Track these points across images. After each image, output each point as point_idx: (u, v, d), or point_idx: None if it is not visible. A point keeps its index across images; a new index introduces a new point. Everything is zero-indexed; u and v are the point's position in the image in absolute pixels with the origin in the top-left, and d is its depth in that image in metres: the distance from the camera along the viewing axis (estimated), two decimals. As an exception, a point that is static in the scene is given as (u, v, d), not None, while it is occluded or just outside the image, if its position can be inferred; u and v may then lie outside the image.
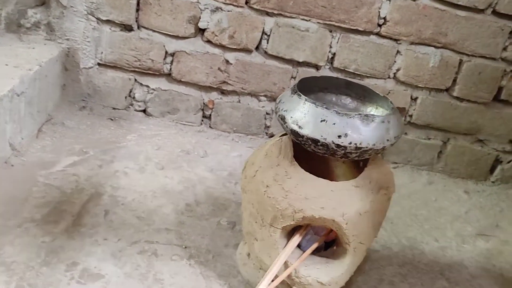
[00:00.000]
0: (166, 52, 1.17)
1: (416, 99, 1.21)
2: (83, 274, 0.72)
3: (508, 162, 1.28)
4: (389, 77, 1.20)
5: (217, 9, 1.13)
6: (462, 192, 1.23)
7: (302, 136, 0.66)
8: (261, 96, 1.21)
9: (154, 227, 0.86)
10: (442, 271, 0.91)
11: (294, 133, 0.67)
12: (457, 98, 1.21)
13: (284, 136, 0.72)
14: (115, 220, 0.86)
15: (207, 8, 1.13)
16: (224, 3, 1.12)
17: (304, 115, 0.66)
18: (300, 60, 1.17)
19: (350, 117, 0.64)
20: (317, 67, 1.18)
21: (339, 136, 0.64)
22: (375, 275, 0.86)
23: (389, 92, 1.20)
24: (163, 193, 0.96)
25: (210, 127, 1.25)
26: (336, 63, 1.18)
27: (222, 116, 1.23)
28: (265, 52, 1.17)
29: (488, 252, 1.00)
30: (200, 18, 1.13)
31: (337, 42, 1.16)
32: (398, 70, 1.18)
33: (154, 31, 1.15)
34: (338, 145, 0.64)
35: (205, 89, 1.21)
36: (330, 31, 1.15)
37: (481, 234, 1.06)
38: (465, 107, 1.22)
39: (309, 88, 0.77)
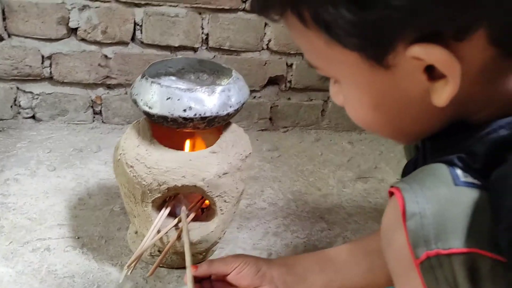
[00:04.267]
0: (43, 56, 1.18)
1: (291, 65, 1.31)
2: (-28, 280, 0.75)
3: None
4: (263, 49, 1.28)
5: (85, 7, 1.15)
6: (346, 143, 1.36)
7: (153, 115, 0.72)
8: (148, 84, 1.26)
9: (46, 225, 0.90)
10: (322, 215, 1.02)
11: (146, 113, 0.73)
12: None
13: (141, 119, 0.79)
14: (6, 225, 0.88)
15: (74, 7, 1.15)
16: (91, 0, 1.15)
17: (152, 96, 0.72)
18: (176, 45, 1.23)
19: (192, 91, 0.71)
20: (194, 49, 1.25)
21: (184, 110, 0.71)
22: (260, 230, 0.95)
23: (265, 63, 1.29)
24: (55, 193, 0.99)
25: (103, 122, 1.28)
26: (211, 43, 1.25)
27: (113, 110, 1.27)
28: (141, 42, 1.21)
29: (365, 192, 1.13)
30: (69, 18, 1.15)
31: (208, 23, 1.22)
32: (269, 41, 1.27)
33: (25, 37, 1.16)
34: (185, 118, 0.71)
35: (90, 86, 1.24)
36: (199, 13, 1.21)
37: (360, 177, 1.19)
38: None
39: (165, 71, 0.83)
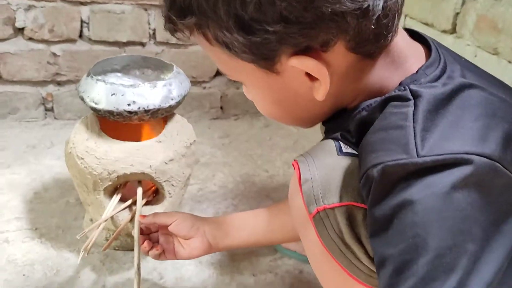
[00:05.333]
0: (-9, 56, 1.20)
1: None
2: None
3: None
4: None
5: (30, 7, 1.18)
6: (292, 127, 1.45)
7: (100, 111, 0.78)
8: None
9: (3, 219, 0.94)
10: (269, 194, 1.11)
11: (93, 109, 0.79)
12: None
13: (89, 114, 0.84)
14: (-36, 222, 0.92)
15: (20, 8, 1.17)
16: (36, 0, 1.17)
17: (97, 93, 0.77)
18: (124, 41, 1.27)
19: (136, 87, 0.78)
20: (142, 44, 1.30)
21: (129, 104, 0.77)
22: (211, 211, 1.03)
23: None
24: (10, 188, 1.03)
25: (55, 118, 1.31)
26: (158, 38, 1.30)
27: (64, 105, 1.30)
28: (89, 39, 1.25)
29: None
30: (15, 18, 1.18)
31: (154, 19, 1.27)
32: (214, 34, 1.33)
33: (-29, 38, 1.17)
34: (130, 112, 0.77)
35: (40, 84, 1.27)
36: (145, 10, 1.26)
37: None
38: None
39: (111, 68, 0.88)
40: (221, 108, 1.44)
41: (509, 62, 1.04)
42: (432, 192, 0.37)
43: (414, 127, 0.39)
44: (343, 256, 0.46)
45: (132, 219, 0.81)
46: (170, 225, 0.73)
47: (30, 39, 1.21)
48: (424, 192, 0.37)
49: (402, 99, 0.43)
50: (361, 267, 0.46)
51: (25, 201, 1.00)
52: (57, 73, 1.26)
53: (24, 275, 0.82)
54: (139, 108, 0.77)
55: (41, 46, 1.22)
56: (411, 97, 0.42)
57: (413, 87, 0.43)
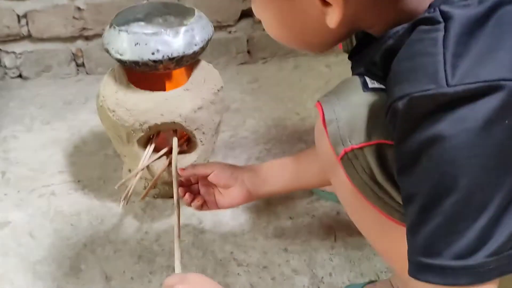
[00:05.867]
0: (18, 16, 1.21)
1: None
2: (-10, 227, 0.85)
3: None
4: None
5: (50, -40, 1.16)
6: (324, 67, 1.40)
7: (125, 62, 0.78)
8: (125, 32, 1.29)
9: (48, 173, 0.99)
10: (301, 137, 1.10)
11: (119, 60, 0.79)
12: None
13: (116, 66, 0.84)
14: (12, 177, 0.97)
15: (40, -38, 1.16)
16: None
17: (121, 44, 0.77)
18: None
19: (158, 35, 0.76)
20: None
21: (153, 53, 0.76)
22: (244, 156, 1.04)
23: None
24: (52, 144, 1.07)
25: (87, 73, 1.33)
26: (180, -17, 1.26)
27: (95, 60, 1.31)
28: (112, -11, 1.23)
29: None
30: (36, -27, 1.17)
31: (174, -37, 1.23)
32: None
33: (-3, -2, 1.18)
34: (154, 61, 0.77)
35: (69, 40, 1.27)
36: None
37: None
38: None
39: (133, 17, 0.87)
40: (248, 52, 1.41)
41: None
42: (465, 127, 0.35)
43: (444, 54, 0.36)
44: (376, 196, 0.45)
45: (169, 167, 0.83)
46: (209, 175, 0.73)
47: (54, -6, 1.20)
48: (456, 127, 0.35)
49: (431, 22, 0.39)
50: (395, 205, 0.45)
51: (66, 155, 1.04)
52: (83, 27, 1.26)
53: (72, 224, 0.86)
54: (163, 56, 0.76)
55: (65, 1, 1.22)
56: (441, 20, 0.38)
57: (444, 7, 0.39)
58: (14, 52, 1.26)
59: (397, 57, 0.40)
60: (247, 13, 1.35)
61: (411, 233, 0.40)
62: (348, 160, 0.43)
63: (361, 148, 0.42)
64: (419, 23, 0.40)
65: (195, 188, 0.76)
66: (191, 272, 0.67)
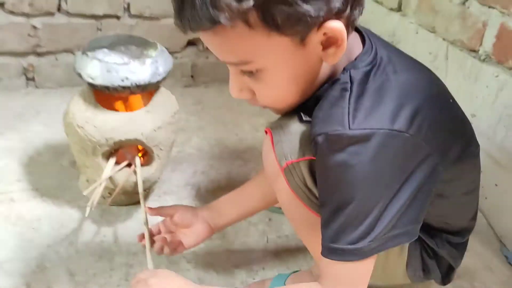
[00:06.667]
0: (-28, 29, 1.26)
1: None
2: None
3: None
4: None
5: (10, -19, 1.23)
6: (258, 94, 1.59)
7: (96, 86, 0.89)
8: (77, 50, 1.38)
9: (6, 181, 1.05)
10: (239, 155, 1.26)
11: (90, 84, 0.90)
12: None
13: (84, 87, 0.95)
14: (-31, 185, 1.03)
15: (-1, -18, 1.22)
16: (15, -26, 1.23)
17: (93, 70, 0.89)
18: (101, 14, 1.35)
19: (128, 64, 0.89)
20: (117, 17, 1.38)
21: (122, 80, 0.89)
22: (190, 170, 1.18)
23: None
24: (6, 154, 1.13)
25: (36, 87, 1.40)
26: (132, 11, 1.38)
27: (44, 75, 1.39)
28: (68, 12, 1.32)
29: (273, 134, 1.39)
30: (-5, -9, 1.23)
31: (128, -7, 1.36)
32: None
33: (-48, 11, 1.22)
34: (123, 87, 0.89)
35: (21, 55, 1.34)
36: (119, -15, 1.34)
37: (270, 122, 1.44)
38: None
39: (101, 45, 0.99)
40: (192, 76, 1.56)
41: (443, 39, 1.22)
42: (359, 159, 0.53)
43: (348, 107, 0.55)
44: (307, 197, 0.63)
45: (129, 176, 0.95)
46: (173, 216, 0.81)
47: (11, 12, 1.27)
48: (353, 158, 0.53)
49: (344, 83, 0.57)
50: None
51: (22, 165, 1.11)
52: (37, 44, 1.33)
53: (33, 228, 0.95)
54: (131, 83, 0.89)
55: (21, 19, 1.29)
56: (349, 82, 0.57)
57: (352, 72, 0.57)
58: (-36, 63, 1.29)
59: (319, 105, 0.58)
60: (192, 42, 1.50)
61: (324, 227, 0.58)
62: (289, 170, 0.60)
63: (297, 162, 0.60)
64: (336, 81, 0.58)
65: (160, 237, 0.82)
66: (162, 269, 0.74)
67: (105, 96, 0.94)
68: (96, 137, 0.91)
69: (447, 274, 0.78)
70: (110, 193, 0.98)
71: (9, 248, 0.89)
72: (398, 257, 0.73)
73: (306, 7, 0.50)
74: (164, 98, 0.99)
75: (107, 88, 0.89)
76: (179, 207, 0.84)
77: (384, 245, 0.58)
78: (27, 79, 1.38)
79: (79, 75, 0.90)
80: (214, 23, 0.50)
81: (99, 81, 0.88)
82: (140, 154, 0.98)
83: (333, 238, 0.57)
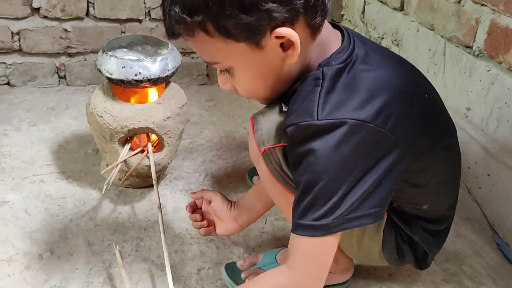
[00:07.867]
0: (12, 33, 1.42)
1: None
2: (-8, 204, 1.05)
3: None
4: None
5: (44, -11, 1.39)
6: (269, 92, 1.69)
7: (114, 80, 1.02)
8: (103, 51, 1.53)
9: (37, 165, 1.20)
10: (246, 146, 1.34)
11: (108, 78, 1.03)
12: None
13: (104, 82, 1.08)
14: (7, 167, 1.18)
15: (36, -10, 1.38)
16: (49, -16, 1.38)
17: (111, 66, 1.01)
18: (124, 18, 1.49)
19: (140, 61, 1.02)
20: (139, 21, 1.52)
21: (136, 75, 1.01)
22: (200, 159, 1.29)
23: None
24: (39, 142, 1.28)
25: (67, 85, 1.55)
26: (153, 15, 1.52)
27: (75, 74, 1.54)
28: (95, 17, 1.47)
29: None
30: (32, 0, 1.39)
31: (149, -1, 1.49)
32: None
33: (-4, 17, 1.39)
34: (136, 81, 1.01)
35: (54, 55, 1.50)
36: (142, -9, 1.48)
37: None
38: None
39: (118, 45, 1.12)
40: (207, 75, 1.68)
41: (441, 36, 1.29)
42: (326, 145, 0.60)
43: (318, 101, 0.61)
44: (283, 179, 0.71)
45: (142, 160, 1.07)
46: (211, 202, 0.89)
47: (45, 17, 1.42)
48: (321, 145, 0.60)
49: (317, 78, 0.64)
50: (293, 185, 0.69)
51: (51, 152, 1.25)
52: (68, 46, 1.48)
53: (59, 205, 1.08)
54: (143, 77, 1.01)
55: (54, 23, 1.44)
56: (321, 78, 0.63)
57: (325, 69, 0.64)
58: (4, 63, 1.46)
59: (293, 99, 0.65)
60: (208, 43, 1.62)
61: (294, 206, 0.65)
62: (267, 155, 0.68)
63: (274, 148, 0.67)
64: (311, 76, 0.65)
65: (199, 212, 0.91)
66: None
67: (122, 90, 1.07)
68: (113, 125, 1.03)
69: (423, 259, 0.82)
70: (125, 176, 1.10)
71: (38, 221, 1.03)
72: (373, 236, 0.78)
73: (250, 19, 0.58)
74: (173, 92, 1.11)
75: (122, 81, 1.02)
76: (218, 195, 0.91)
77: (347, 224, 0.62)
78: (59, 77, 1.53)
79: (99, 71, 1.03)
80: (179, 33, 0.62)
81: (115, 75, 1.01)
82: (152, 143, 1.10)
83: (300, 215, 0.63)
